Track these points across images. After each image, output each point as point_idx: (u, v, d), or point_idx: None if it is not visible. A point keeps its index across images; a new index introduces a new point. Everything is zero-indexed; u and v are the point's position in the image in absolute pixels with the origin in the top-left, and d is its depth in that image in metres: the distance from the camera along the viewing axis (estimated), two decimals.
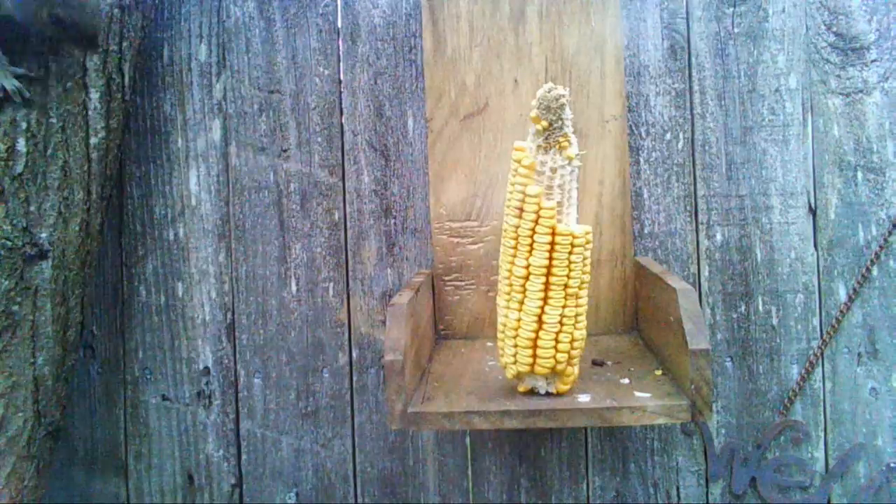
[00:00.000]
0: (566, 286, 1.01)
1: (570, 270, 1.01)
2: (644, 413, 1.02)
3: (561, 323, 1.02)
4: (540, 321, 1.02)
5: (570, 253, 1.00)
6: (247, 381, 1.52)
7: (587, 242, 1.02)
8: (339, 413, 1.51)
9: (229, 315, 1.52)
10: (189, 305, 1.52)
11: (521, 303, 1.03)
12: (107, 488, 1.54)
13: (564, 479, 1.49)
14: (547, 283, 1.01)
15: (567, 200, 1.01)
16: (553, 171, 1.00)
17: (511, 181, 1.03)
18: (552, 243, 1.00)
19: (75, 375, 1.43)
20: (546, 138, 0.99)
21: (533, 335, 1.03)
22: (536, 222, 1.00)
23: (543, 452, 1.49)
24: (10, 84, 1.21)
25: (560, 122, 0.98)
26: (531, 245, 1.01)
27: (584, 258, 1.02)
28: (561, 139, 0.99)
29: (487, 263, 1.41)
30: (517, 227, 1.02)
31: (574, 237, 1.00)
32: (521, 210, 1.01)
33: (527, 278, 1.02)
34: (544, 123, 0.98)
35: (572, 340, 1.04)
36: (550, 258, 1.00)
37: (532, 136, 1.01)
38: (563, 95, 0.97)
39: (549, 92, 0.97)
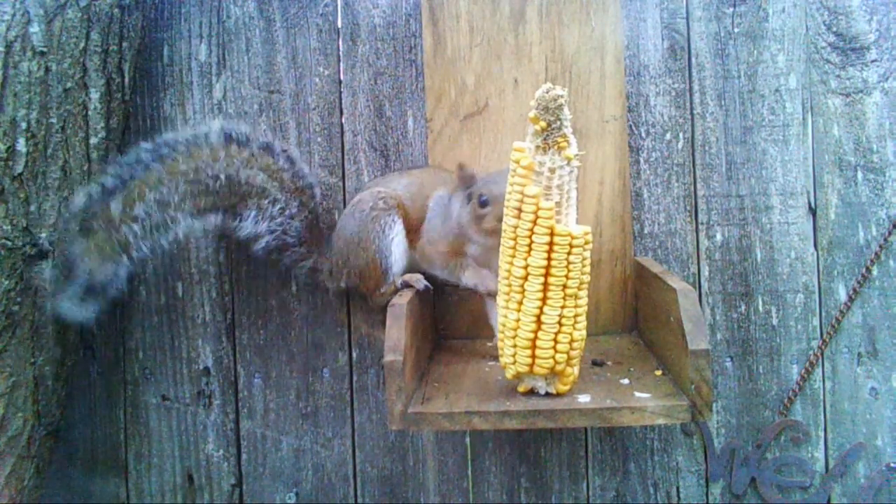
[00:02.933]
0: (565, 286, 1.01)
1: (568, 271, 1.01)
2: (644, 413, 1.02)
3: (560, 323, 1.02)
4: (538, 321, 1.02)
5: (569, 253, 1.00)
6: (247, 381, 1.52)
7: (586, 243, 1.02)
8: (339, 413, 1.51)
9: (229, 315, 1.52)
10: (189, 305, 1.52)
11: (520, 303, 1.03)
12: (107, 488, 1.54)
13: (564, 479, 1.49)
14: (545, 284, 1.01)
15: (566, 201, 1.01)
16: (552, 171, 1.00)
17: (510, 181, 1.03)
18: (550, 244, 1.00)
19: (75, 375, 1.43)
20: (545, 139, 0.99)
21: (532, 335, 1.03)
22: (535, 222, 1.00)
23: (543, 452, 1.49)
24: None
25: (558, 123, 0.98)
26: (529, 245, 1.01)
27: (584, 258, 1.02)
28: (559, 139, 0.99)
29: None
30: (516, 227, 1.02)
31: (572, 237, 1.00)
32: (520, 210, 1.01)
33: (525, 278, 1.02)
34: (543, 124, 0.98)
35: (571, 341, 1.04)
36: (549, 258, 1.00)
37: (531, 136, 1.01)
38: (561, 96, 0.97)
39: (547, 92, 0.97)
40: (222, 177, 1.31)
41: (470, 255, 1.27)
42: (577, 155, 1.00)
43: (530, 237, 1.00)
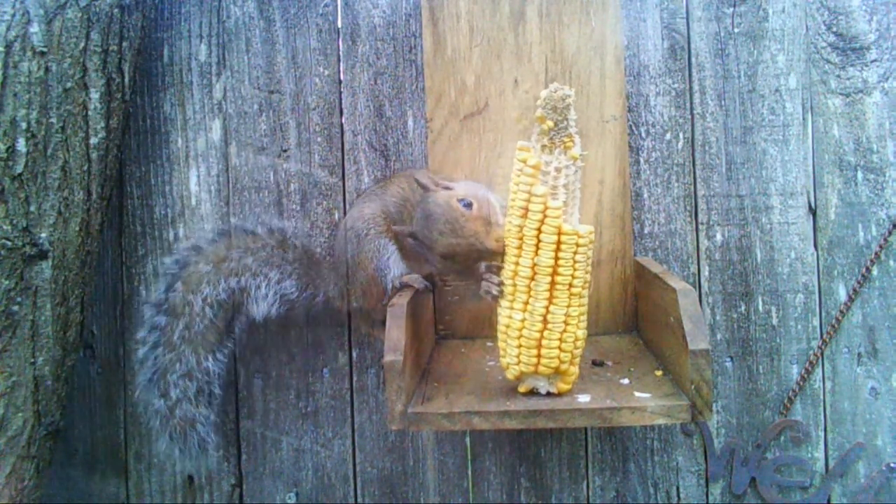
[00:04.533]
0: (570, 286, 1.01)
1: (574, 270, 1.01)
2: (644, 413, 1.02)
3: (565, 322, 1.02)
4: (545, 321, 1.02)
5: (576, 252, 1.00)
6: (247, 381, 1.52)
7: (590, 242, 1.02)
8: (339, 413, 1.51)
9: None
10: None
11: (526, 303, 1.03)
12: (107, 488, 1.53)
13: (564, 479, 1.49)
14: (552, 283, 1.01)
15: (571, 200, 1.01)
16: (558, 170, 1.00)
17: (515, 181, 1.03)
18: (558, 243, 1.00)
19: (75, 375, 1.43)
20: (551, 138, 0.99)
21: (538, 335, 1.03)
22: (542, 222, 1.00)
23: (543, 452, 1.49)
24: None
25: (565, 123, 0.98)
26: (537, 245, 1.01)
27: (587, 258, 1.03)
28: (566, 139, 0.99)
29: None
30: (522, 226, 1.02)
31: (579, 236, 1.00)
32: (527, 210, 1.01)
33: (532, 278, 1.02)
34: (550, 123, 0.98)
35: (575, 340, 1.04)
36: (556, 258, 1.00)
37: (536, 135, 1.01)
38: (570, 95, 0.97)
39: (555, 92, 0.97)
40: (207, 310, 1.34)
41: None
42: (581, 154, 1.00)
43: (537, 237, 1.00)
